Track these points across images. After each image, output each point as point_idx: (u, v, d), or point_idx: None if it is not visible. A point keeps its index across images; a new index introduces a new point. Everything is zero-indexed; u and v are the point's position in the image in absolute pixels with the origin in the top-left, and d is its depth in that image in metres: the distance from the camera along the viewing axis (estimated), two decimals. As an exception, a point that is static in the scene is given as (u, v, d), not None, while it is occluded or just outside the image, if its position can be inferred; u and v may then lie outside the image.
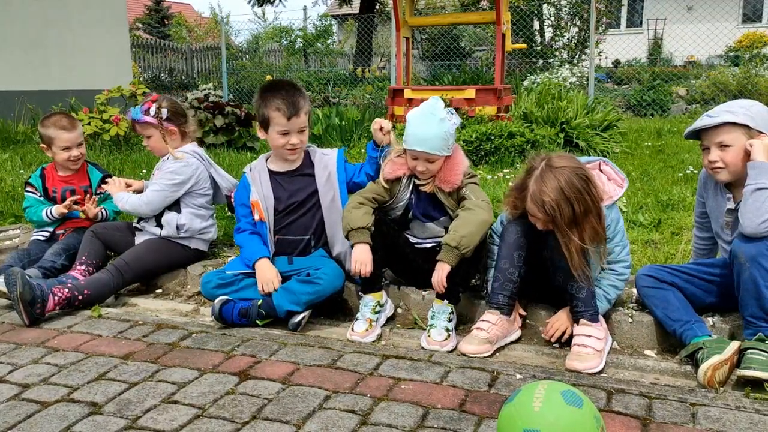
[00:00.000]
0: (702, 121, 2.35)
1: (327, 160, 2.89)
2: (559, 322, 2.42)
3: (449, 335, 2.45)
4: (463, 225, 2.45)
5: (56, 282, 2.90)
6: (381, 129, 2.77)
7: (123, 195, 3.19)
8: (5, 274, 2.73)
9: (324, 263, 2.72)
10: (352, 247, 2.57)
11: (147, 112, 3.18)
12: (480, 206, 2.51)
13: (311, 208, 2.85)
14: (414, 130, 2.55)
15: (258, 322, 2.64)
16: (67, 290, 2.80)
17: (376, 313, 2.61)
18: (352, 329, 2.56)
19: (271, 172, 2.89)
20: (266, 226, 2.82)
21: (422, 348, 2.43)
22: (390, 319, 2.73)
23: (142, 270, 3.10)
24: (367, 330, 2.54)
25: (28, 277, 2.69)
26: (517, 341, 2.51)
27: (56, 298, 2.75)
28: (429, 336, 2.45)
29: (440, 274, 2.44)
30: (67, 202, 3.32)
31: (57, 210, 3.32)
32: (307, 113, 2.80)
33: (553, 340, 2.43)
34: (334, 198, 2.83)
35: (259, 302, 2.64)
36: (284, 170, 2.89)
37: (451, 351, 2.41)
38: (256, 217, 2.83)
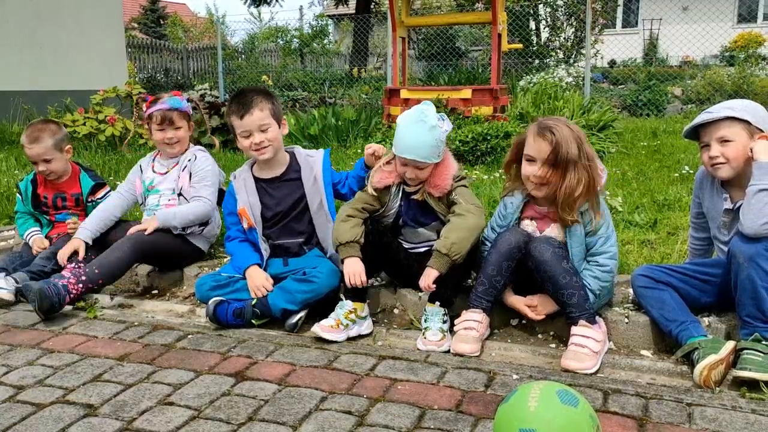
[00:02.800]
0: (702, 117, 2.35)
1: (312, 162, 2.85)
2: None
3: (444, 336, 2.44)
4: (453, 230, 2.44)
5: (71, 276, 2.86)
6: (373, 154, 2.74)
7: (168, 212, 3.08)
8: (24, 289, 2.84)
9: (319, 262, 2.71)
10: (342, 261, 2.56)
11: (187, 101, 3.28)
12: (470, 211, 2.49)
13: (300, 213, 2.83)
14: (404, 136, 2.52)
15: (253, 321, 2.63)
16: (81, 285, 2.82)
17: (351, 320, 2.52)
18: (319, 322, 2.50)
19: (257, 179, 2.86)
20: (256, 233, 2.80)
21: (418, 349, 2.43)
22: (387, 320, 2.72)
23: (150, 245, 3.01)
24: (331, 327, 2.47)
25: (43, 286, 2.72)
26: (510, 341, 2.51)
27: (71, 295, 2.80)
28: (425, 337, 2.44)
29: (427, 279, 2.43)
30: (35, 249, 3.24)
31: (33, 244, 3.28)
32: (265, 110, 2.72)
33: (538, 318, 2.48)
34: (321, 202, 2.80)
35: (253, 302, 2.63)
36: (270, 177, 2.85)
37: (448, 351, 2.40)
38: (245, 224, 2.81)
